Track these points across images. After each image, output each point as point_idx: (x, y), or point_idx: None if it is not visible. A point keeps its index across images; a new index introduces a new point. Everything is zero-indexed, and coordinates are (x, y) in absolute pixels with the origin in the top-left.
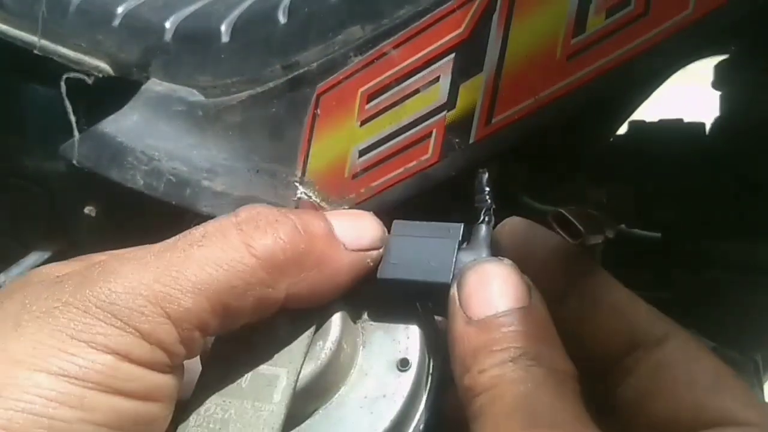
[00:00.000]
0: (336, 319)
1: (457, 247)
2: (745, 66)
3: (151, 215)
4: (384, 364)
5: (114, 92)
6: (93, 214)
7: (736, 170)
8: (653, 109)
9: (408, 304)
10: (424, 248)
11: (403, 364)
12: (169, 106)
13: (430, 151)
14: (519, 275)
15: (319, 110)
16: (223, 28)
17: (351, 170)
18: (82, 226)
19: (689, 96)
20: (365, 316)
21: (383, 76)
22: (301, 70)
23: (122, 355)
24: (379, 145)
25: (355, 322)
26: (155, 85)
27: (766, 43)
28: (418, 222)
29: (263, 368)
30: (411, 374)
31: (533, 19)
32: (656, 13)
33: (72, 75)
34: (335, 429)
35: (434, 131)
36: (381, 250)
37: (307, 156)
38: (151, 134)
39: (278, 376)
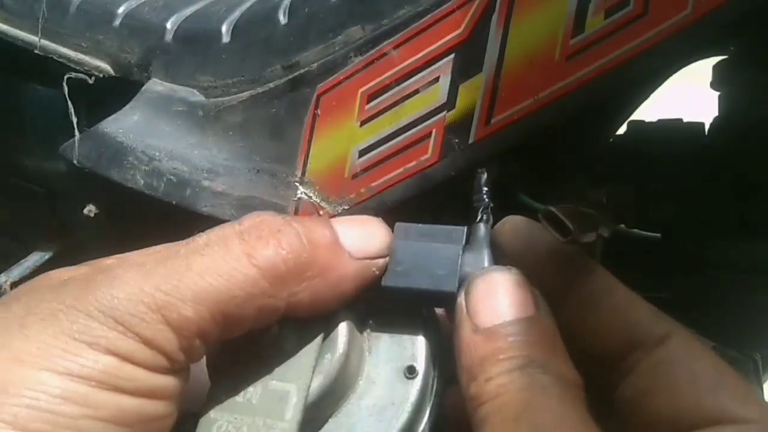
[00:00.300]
0: (342, 330)
1: (461, 252)
2: (745, 66)
3: (152, 215)
4: (391, 371)
5: (114, 92)
6: (92, 214)
7: (735, 170)
8: (653, 109)
9: (413, 310)
10: (428, 254)
11: (410, 372)
12: (169, 106)
13: (429, 151)
14: (527, 285)
15: (319, 110)
16: (223, 28)
17: (351, 170)
18: (82, 226)
19: (689, 96)
20: (370, 323)
21: (383, 77)
22: (302, 71)
23: (124, 358)
24: (379, 145)
25: (360, 330)
26: (156, 85)
27: (766, 43)
28: (420, 225)
29: (273, 384)
30: (418, 381)
31: (532, 19)
32: (655, 14)
33: (73, 75)
34: None
35: (434, 131)
36: (387, 259)
37: (307, 156)
38: (151, 134)
39: (288, 391)
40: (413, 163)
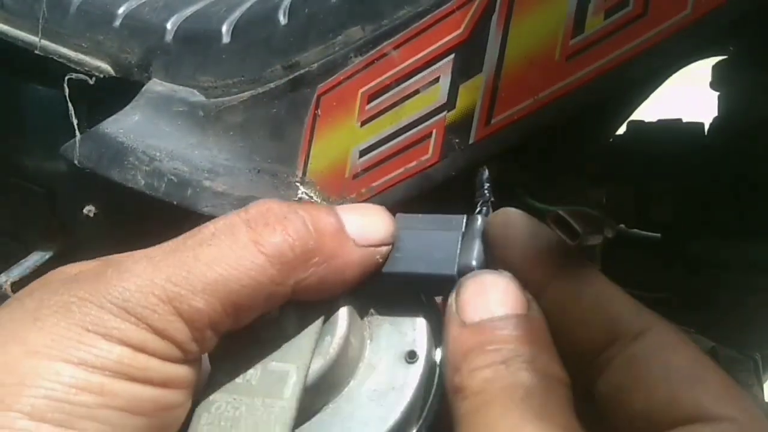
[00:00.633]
0: (343, 314)
1: (460, 238)
2: (744, 66)
3: (152, 215)
4: (392, 357)
5: (115, 92)
6: (92, 214)
7: (735, 170)
8: (653, 109)
9: (413, 296)
10: (428, 241)
11: (411, 356)
12: (170, 106)
13: (430, 151)
14: (519, 287)
15: (319, 111)
16: (223, 28)
17: (351, 170)
18: (82, 226)
19: (689, 96)
20: (371, 311)
21: (383, 77)
22: (302, 71)
23: (137, 348)
24: (380, 146)
25: (361, 316)
26: (156, 86)
27: (765, 43)
28: (420, 215)
29: (272, 365)
30: (419, 366)
31: (532, 19)
32: (655, 14)
33: (74, 76)
34: (346, 423)
35: (434, 131)
36: (390, 246)
37: (307, 156)
38: (152, 134)
39: (287, 372)
40: (414, 164)
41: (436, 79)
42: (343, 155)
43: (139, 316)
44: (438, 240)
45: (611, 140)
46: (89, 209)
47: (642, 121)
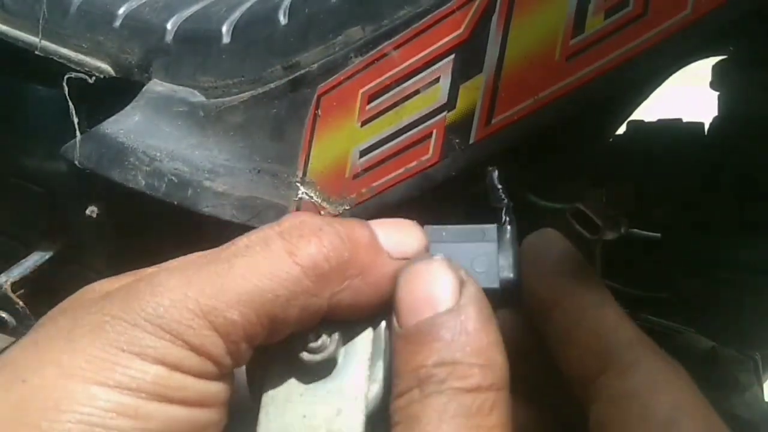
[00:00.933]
0: (385, 334)
1: (497, 249)
2: (744, 66)
3: (153, 216)
4: None
5: (115, 93)
6: (94, 215)
7: (735, 170)
8: (653, 109)
9: None
10: (464, 254)
11: None
12: (170, 106)
13: (430, 151)
14: (448, 271)
15: (320, 111)
16: (224, 29)
17: (352, 170)
18: (83, 226)
19: (689, 96)
20: None
21: (384, 77)
22: (302, 71)
23: (173, 367)
24: (380, 146)
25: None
26: (156, 86)
27: (765, 42)
28: (450, 226)
29: (327, 397)
30: None
31: (532, 19)
32: (655, 14)
33: (73, 75)
34: None
35: (434, 132)
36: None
37: (308, 156)
38: (152, 135)
39: (342, 408)
40: (414, 164)
41: (437, 80)
42: (344, 155)
43: (174, 333)
44: (474, 252)
45: (611, 140)
46: (92, 210)
47: (642, 121)
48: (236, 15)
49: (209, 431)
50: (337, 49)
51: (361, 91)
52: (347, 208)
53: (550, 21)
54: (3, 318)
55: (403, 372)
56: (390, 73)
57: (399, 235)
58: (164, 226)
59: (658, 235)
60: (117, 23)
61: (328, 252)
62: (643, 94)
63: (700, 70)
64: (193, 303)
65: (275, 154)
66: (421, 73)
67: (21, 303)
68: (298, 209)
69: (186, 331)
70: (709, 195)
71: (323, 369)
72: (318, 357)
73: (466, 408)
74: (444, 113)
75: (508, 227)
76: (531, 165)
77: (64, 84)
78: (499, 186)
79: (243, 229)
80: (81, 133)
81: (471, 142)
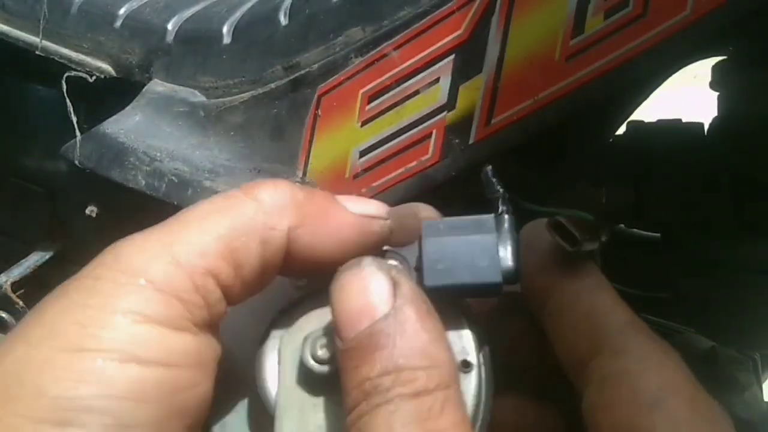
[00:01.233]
0: None
1: (496, 240)
2: (744, 66)
3: (153, 216)
4: None
5: (116, 93)
6: (94, 214)
7: (735, 170)
8: (653, 109)
9: (451, 306)
10: (463, 247)
11: (466, 366)
12: (171, 106)
13: (430, 151)
14: (379, 275)
15: (320, 111)
16: (224, 29)
17: (352, 170)
18: (83, 226)
19: (688, 96)
20: None
21: (384, 77)
22: (302, 71)
23: (136, 313)
24: (380, 146)
25: None
26: (157, 86)
27: (765, 43)
28: (447, 219)
29: (341, 408)
30: (473, 374)
31: (532, 20)
32: (655, 14)
33: (72, 74)
34: None
35: (434, 132)
36: (389, 222)
37: (308, 156)
38: (152, 135)
39: None
40: (414, 164)
41: (437, 80)
42: (344, 155)
43: (136, 275)
44: (473, 245)
45: (611, 140)
46: (91, 209)
47: (642, 122)
48: (237, 15)
49: (184, 395)
50: (337, 49)
51: (361, 91)
52: None
53: (550, 21)
54: (3, 318)
55: (350, 388)
56: (390, 73)
57: (357, 199)
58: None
59: (658, 235)
60: (118, 23)
61: (283, 190)
62: (642, 94)
63: (700, 71)
64: (154, 243)
65: (275, 154)
66: (421, 74)
67: (21, 303)
68: None
69: (147, 269)
70: (709, 195)
71: (334, 379)
72: (327, 368)
73: (416, 413)
74: (444, 113)
75: (506, 216)
76: (531, 166)
77: (63, 82)
78: (494, 179)
79: None
80: (81, 133)
81: (471, 142)
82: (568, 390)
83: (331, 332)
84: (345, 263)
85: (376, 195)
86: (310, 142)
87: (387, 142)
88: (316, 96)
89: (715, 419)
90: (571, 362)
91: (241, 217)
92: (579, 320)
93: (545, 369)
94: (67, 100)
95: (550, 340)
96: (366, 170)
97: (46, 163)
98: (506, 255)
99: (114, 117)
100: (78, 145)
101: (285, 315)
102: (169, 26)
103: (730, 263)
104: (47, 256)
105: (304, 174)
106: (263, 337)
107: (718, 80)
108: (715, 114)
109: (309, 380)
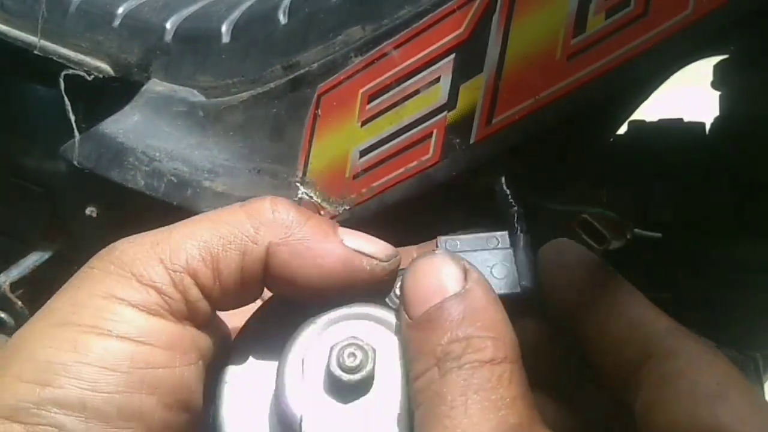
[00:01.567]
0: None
1: (513, 255)
2: (745, 66)
3: (152, 216)
4: None
5: (114, 93)
6: (94, 215)
7: (736, 170)
8: (653, 109)
9: None
10: (481, 262)
11: None
12: (170, 106)
13: (431, 151)
14: (451, 262)
15: (319, 111)
16: (223, 28)
17: (352, 170)
18: (82, 226)
19: (689, 96)
20: None
21: (384, 77)
22: (302, 71)
23: (116, 297)
24: (380, 146)
25: None
26: (156, 86)
27: (766, 42)
28: (462, 236)
29: (367, 416)
30: None
31: (533, 19)
32: (656, 14)
33: (70, 72)
34: None
35: (435, 131)
36: (385, 264)
37: (308, 156)
38: (152, 135)
39: (383, 425)
40: (414, 164)
41: (437, 79)
42: (344, 155)
43: (122, 266)
44: (491, 260)
45: (612, 140)
46: (91, 210)
47: (643, 121)
48: (236, 14)
49: (156, 372)
50: (337, 48)
51: (361, 90)
52: (347, 208)
53: (551, 20)
54: (2, 318)
55: (419, 355)
56: (390, 72)
57: (360, 236)
58: (164, 227)
59: (659, 235)
60: (116, 23)
61: (276, 208)
62: (644, 94)
63: (701, 70)
64: (146, 244)
65: (275, 154)
66: (421, 73)
67: (20, 303)
68: None
69: (133, 264)
70: (709, 195)
71: (361, 387)
72: (357, 376)
73: (487, 380)
74: (444, 113)
75: (521, 235)
76: (531, 166)
77: (61, 81)
78: (508, 192)
79: None
80: (80, 133)
81: (471, 142)
82: (587, 394)
83: (360, 341)
84: (342, 294)
85: (376, 195)
86: (310, 141)
87: (387, 142)
88: (315, 95)
89: None
90: (619, 369)
91: (226, 227)
92: (622, 329)
93: (567, 380)
94: (66, 100)
95: (589, 352)
96: (366, 170)
97: (45, 163)
98: (524, 272)
99: (113, 117)
100: (77, 145)
101: (304, 330)
102: (168, 25)
103: (731, 263)
104: (46, 257)
105: (304, 174)
106: (284, 353)
107: (719, 80)
108: (717, 114)
109: (337, 389)
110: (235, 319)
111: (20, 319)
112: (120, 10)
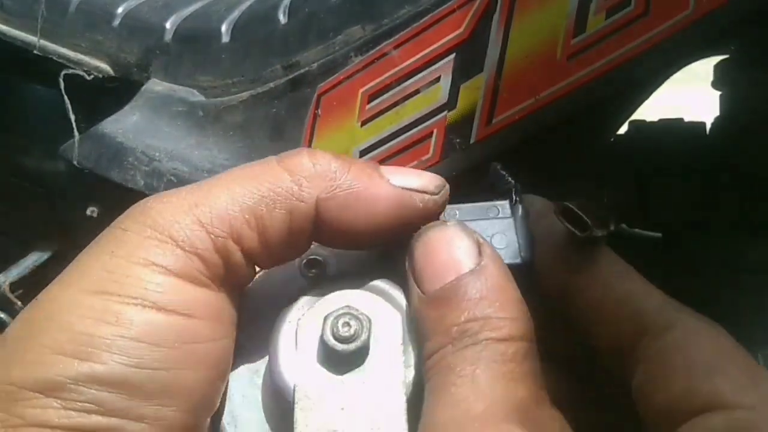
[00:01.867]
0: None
1: (513, 224)
2: (746, 65)
3: None
4: None
5: (114, 92)
6: (95, 215)
7: (737, 170)
8: (653, 109)
9: None
10: (481, 231)
11: None
12: (169, 106)
13: (431, 151)
14: (464, 235)
15: (319, 110)
16: (223, 28)
17: None
18: (82, 225)
19: (690, 96)
20: None
21: (384, 77)
22: (302, 70)
23: (157, 265)
24: (380, 146)
25: None
26: (156, 86)
27: (766, 42)
28: (463, 205)
29: (364, 387)
30: None
31: (533, 19)
32: (656, 13)
33: (70, 71)
34: None
35: (435, 131)
36: (437, 197)
37: None
38: (151, 134)
39: (381, 397)
40: (414, 163)
41: (437, 79)
42: (344, 155)
43: (161, 230)
44: (492, 229)
45: (612, 140)
46: (92, 210)
47: (643, 121)
48: (236, 14)
49: (201, 347)
50: (337, 48)
51: (361, 90)
52: None
53: (551, 20)
54: (2, 318)
55: (434, 333)
56: (390, 72)
57: (405, 171)
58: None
59: (659, 235)
60: (116, 22)
61: (316, 159)
62: (644, 93)
63: (701, 70)
64: (185, 205)
65: (275, 154)
66: (421, 73)
67: (19, 303)
68: None
69: (172, 228)
70: (709, 195)
71: (356, 358)
72: (352, 346)
73: (501, 354)
74: (444, 113)
75: (519, 206)
76: (531, 166)
77: (60, 80)
78: (504, 172)
79: None
80: (80, 133)
81: (472, 141)
82: (585, 369)
83: (355, 310)
84: (396, 234)
85: None
86: (310, 141)
87: (387, 142)
88: (315, 95)
89: None
90: (615, 346)
91: (268, 186)
92: (617, 306)
93: (560, 347)
94: (65, 99)
95: (582, 328)
96: None
97: (45, 162)
98: (522, 243)
99: (112, 117)
100: (76, 144)
101: (297, 301)
102: (168, 25)
103: (731, 263)
104: (46, 257)
105: None
106: (277, 324)
107: (719, 79)
108: (717, 113)
109: (331, 360)
110: None
111: None
112: (120, 10)
